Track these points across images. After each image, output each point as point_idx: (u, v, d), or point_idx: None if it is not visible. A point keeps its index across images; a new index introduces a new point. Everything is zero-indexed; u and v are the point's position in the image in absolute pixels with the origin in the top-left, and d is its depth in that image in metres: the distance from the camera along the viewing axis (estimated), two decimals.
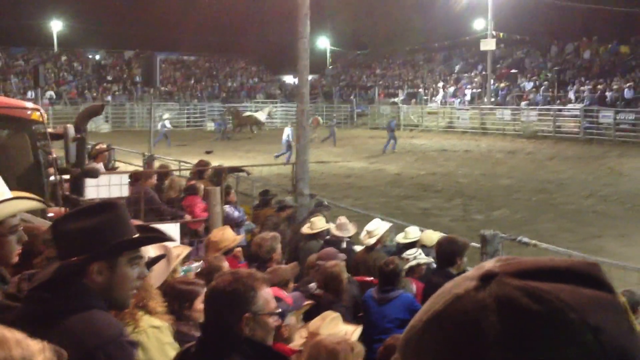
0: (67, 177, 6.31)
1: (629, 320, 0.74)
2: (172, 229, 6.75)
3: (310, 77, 17.72)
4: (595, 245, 11.97)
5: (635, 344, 0.73)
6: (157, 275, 3.48)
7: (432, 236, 7.35)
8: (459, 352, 0.72)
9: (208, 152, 25.21)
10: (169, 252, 3.69)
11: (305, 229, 7.70)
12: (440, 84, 44.57)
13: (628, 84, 32.81)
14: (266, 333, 2.48)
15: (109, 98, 44.18)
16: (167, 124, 31.99)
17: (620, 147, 28.64)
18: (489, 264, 0.77)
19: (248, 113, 39.09)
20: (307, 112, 12.01)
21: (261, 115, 37.82)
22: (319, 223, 7.75)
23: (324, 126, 33.75)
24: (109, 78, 48.84)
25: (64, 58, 49.79)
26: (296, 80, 15.28)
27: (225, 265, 4.37)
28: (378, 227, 7.31)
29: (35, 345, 1.19)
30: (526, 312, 0.70)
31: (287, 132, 24.98)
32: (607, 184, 19.09)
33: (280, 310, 2.67)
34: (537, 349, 0.69)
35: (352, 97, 47.29)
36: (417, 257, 6.52)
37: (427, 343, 0.75)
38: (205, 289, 3.09)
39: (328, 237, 7.77)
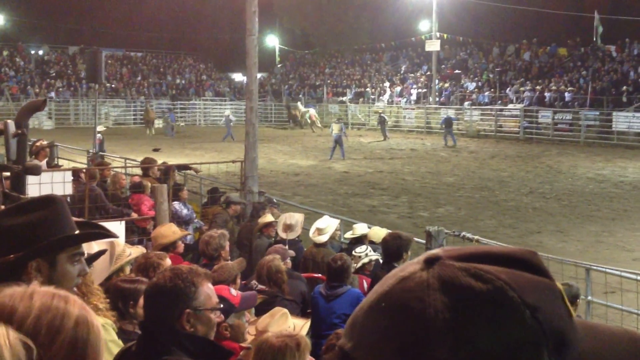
0: (7, 174, 6.11)
1: (566, 305, 0.78)
2: (116, 226, 6.63)
3: (259, 76, 17.62)
4: (535, 240, 12.34)
5: (571, 327, 0.77)
6: (99, 272, 3.42)
7: (379, 233, 7.45)
8: (402, 329, 0.74)
9: (155, 150, 24.85)
10: (113, 248, 3.63)
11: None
12: (387, 84, 45.06)
13: (569, 89, 33.96)
14: (208, 329, 2.46)
15: (53, 94, 42.90)
16: (232, 117, 33.25)
17: (558, 146, 29.66)
18: (433, 250, 0.80)
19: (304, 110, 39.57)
20: (256, 110, 11.97)
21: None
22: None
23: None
24: (53, 74, 47.41)
25: (5, 53, 48.03)
26: (245, 78, 15.21)
27: (167, 262, 4.31)
28: (328, 224, 7.36)
29: None
30: (468, 289, 0.73)
31: (338, 127, 26.01)
32: (546, 182, 19.68)
33: (222, 306, 2.66)
34: (477, 324, 0.72)
35: (300, 96, 47.31)
36: (367, 254, 6.60)
37: (372, 322, 0.77)
38: None
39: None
